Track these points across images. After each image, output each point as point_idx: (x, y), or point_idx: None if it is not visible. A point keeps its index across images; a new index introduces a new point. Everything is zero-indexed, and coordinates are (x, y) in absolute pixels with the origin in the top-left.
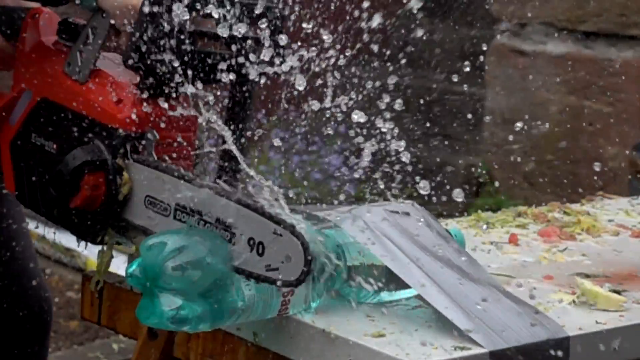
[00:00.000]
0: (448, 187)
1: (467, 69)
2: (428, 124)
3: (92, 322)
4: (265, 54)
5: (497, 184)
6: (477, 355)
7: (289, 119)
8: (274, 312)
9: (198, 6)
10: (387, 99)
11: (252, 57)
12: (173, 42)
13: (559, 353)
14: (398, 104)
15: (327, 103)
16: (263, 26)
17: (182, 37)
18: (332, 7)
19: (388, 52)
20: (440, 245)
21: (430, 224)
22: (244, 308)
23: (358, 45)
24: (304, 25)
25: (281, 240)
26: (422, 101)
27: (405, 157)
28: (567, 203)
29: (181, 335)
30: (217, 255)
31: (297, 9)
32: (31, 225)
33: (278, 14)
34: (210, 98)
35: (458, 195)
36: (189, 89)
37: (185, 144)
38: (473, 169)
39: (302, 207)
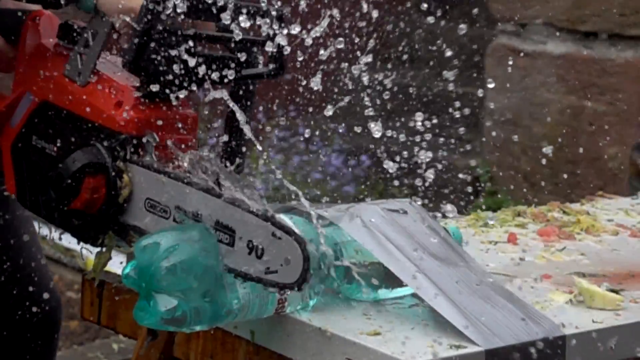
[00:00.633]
0: (448, 187)
1: (467, 69)
2: (428, 124)
3: (92, 322)
4: (265, 55)
5: (497, 183)
6: (473, 354)
7: (288, 119)
8: (270, 310)
9: (198, 9)
10: (386, 98)
11: (252, 58)
12: (173, 44)
13: (556, 352)
14: (398, 104)
15: (328, 104)
16: (263, 27)
17: (182, 39)
18: (332, 7)
19: (387, 52)
20: (438, 243)
21: (428, 223)
22: (239, 307)
23: (369, 48)
24: (303, 25)
25: (280, 243)
26: (422, 101)
27: (405, 157)
28: (566, 203)
29: (181, 335)
30: (211, 253)
31: (297, 9)
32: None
33: (278, 14)
34: (210, 98)
35: (451, 211)
36: (189, 92)
37: (185, 146)
38: (473, 169)
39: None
